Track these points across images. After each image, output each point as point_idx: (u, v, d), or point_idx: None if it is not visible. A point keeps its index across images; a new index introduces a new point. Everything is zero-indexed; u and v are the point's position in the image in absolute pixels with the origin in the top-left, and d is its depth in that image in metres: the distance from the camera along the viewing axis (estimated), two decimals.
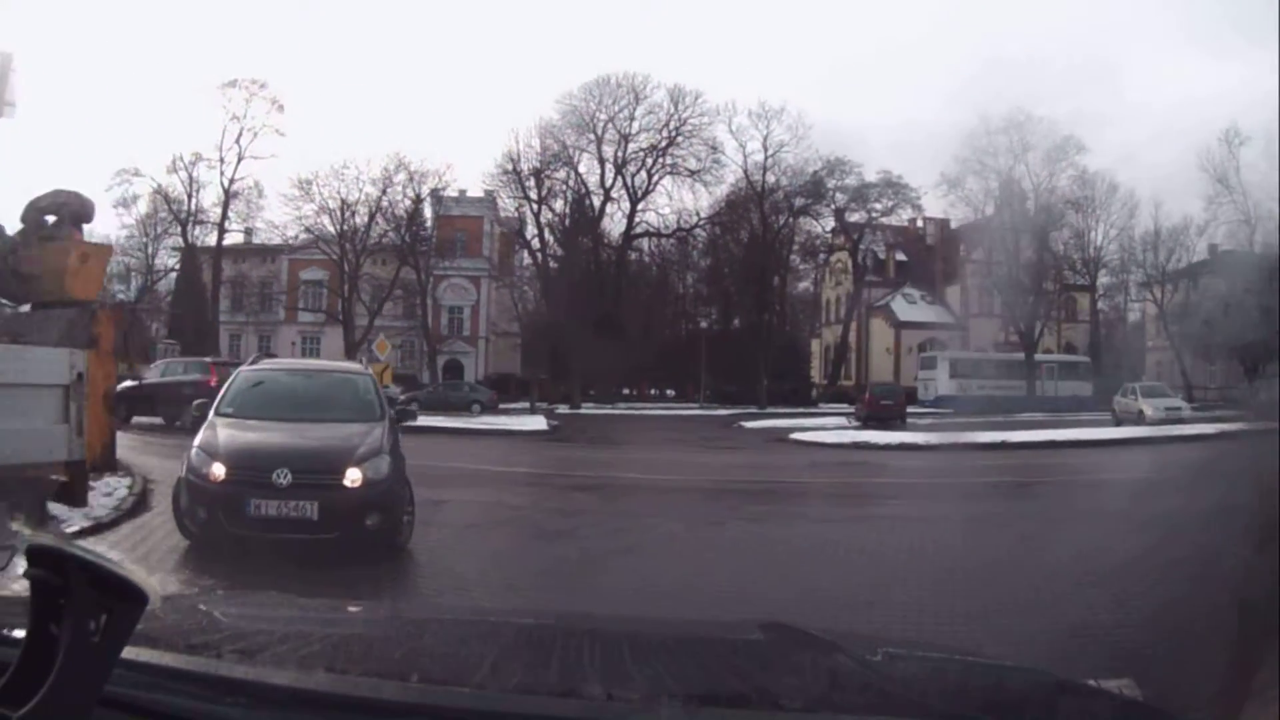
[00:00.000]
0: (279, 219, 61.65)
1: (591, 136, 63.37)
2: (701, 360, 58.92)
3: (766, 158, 63.40)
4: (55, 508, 11.17)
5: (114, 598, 1.38)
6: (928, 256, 70.66)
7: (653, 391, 65.05)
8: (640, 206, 64.96)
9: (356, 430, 10.36)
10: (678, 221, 65.82)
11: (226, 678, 1.78)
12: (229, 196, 61.56)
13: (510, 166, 61.29)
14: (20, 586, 1.49)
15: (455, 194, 63.11)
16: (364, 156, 74.22)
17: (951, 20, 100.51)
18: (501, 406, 48.46)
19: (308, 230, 59.44)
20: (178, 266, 64.84)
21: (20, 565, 1.51)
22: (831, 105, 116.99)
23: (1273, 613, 3.08)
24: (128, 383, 28.45)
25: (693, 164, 63.97)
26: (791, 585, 9.26)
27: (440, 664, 2.28)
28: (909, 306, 69.80)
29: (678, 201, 75.33)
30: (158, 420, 28.17)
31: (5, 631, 1.72)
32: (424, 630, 2.71)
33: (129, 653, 1.49)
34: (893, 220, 67.44)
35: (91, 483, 13.20)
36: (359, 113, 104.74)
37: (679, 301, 71.16)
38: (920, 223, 69.55)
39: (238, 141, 60.55)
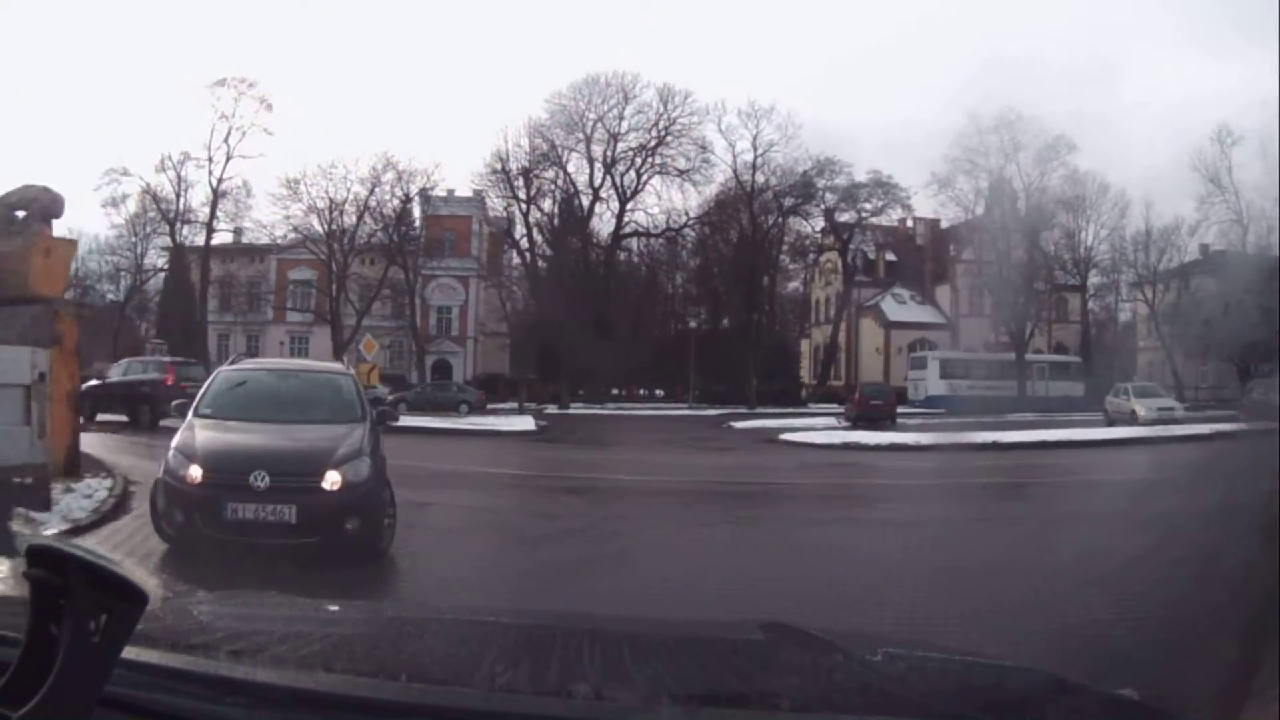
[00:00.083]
0: (267, 219, 61.73)
1: (580, 136, 63.21)
2: (690, 360, 58.78)
3: (756, 157, 63.46)
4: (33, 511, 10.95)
5: (114, 598, 1.38)
6: (917, 256, 70.81)
7: (642, 392, 64.99)
8: (629, 206, 64.89)
9: (336, 432, 10.15)
10: (667, 221, 65.86)
11: (226, 678, 1.78)
12: (217, 196, 61.34)
13: (499, 166, 61.32)
14: (20, 586, 1.50)
15: (444, 193, 62.94)
16: (352, 156, 73.69)
17: (945, 20, 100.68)
18: (490, 407, 48.37)
19: (296, 230, 59.38)
20: (166, 266, 64.80)
21: (20, 565, 1.52)
22: (821, 105, 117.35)
23: (1273, 613, 3.13)
24: (93, 381, 29.34)
25: (682, 163, 63.91)
26: (786, 588, 9.07)
27: (440, 664, 2.29)
28: (899, 306, 69.77)
29: (667, 201, 75.83)
30: (123, 418, 28.30)
31: (5, 631, 1.66)
32: (424, 630, 2.70)
33: (129, 653, 1.49)
34: (882, 220, 67.76)
35: (72, 484, 13.09)
36: (347, 112, 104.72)
37: (668, 301, 71.13)
38: (910, 223, 69.78)
39: (226, 141, 60.34)
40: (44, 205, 14.90)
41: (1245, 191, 53.35)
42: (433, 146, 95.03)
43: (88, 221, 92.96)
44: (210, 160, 60.43)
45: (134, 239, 64.37)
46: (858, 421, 39.43)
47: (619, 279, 66.52)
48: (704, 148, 63.66)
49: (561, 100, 62.68)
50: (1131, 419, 35.79)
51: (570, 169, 63.78)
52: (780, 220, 65.34)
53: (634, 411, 54.10)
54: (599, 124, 63.09)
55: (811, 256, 69.82)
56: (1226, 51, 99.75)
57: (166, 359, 32.77)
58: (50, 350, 12.49)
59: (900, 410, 44.05)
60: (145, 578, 8.57)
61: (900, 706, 1.99)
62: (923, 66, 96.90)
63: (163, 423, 24.71)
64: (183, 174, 61.31)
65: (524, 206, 62.53)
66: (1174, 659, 5.75)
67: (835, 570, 10.07)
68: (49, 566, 1.39)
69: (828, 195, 64.56)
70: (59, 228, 15.40)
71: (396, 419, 13.14)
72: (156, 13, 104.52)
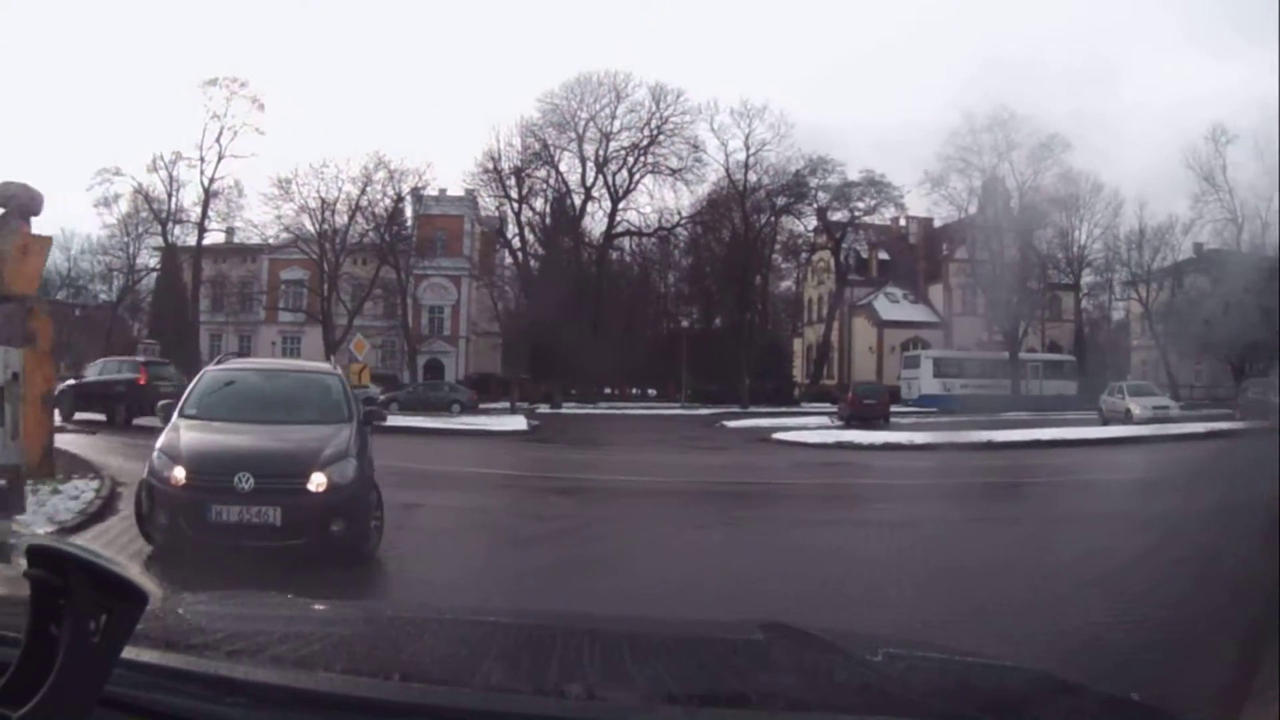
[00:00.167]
0: (259, 218, 61.45)
1: (572, 135, 63.26)
2: (683, 360, 58.65)
3: (748, 156, 63.54)
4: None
5: (114, 598, 1.38)
6: (910, 255, 70.74)
7: (634, 391, 65.00)
8: (621, 205, 64.87)
9: (323, 433, 10.02)
10: (659, 220, 65.80)
11: (226, 678, 1.77)
12: (209, 196, 61.32)
13: (491, 165, 61.35)
14: (20, 586, 1.47)
15: (435, 193, 62.96)
16: (344, 155, 73.73)
17: (942, 20, 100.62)
18: (482, 406, 48.17)
19: (288, 230, 59.26)
20: (158, 266, 64.81)
21: (20, 565, 1.50)
22: (815, 104, 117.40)
23: (1273, 613, 3.18)
24: (70, 381, 30.62)
25: (674, 162, 63.86)
26: (784, 588, 9.03)
27: (440, 664, 2.28)
28: (892, 305, 69.76)
29: (659, 200, 75.64)
30: (101, 417, 28.42)
31: (5, 631, 1.64)
32: (424, 630, 2.69)
33: (129, 653, 1.49)
34: (875, 219, 67.57)
35: (59, 485, 12.93)
36: (339, 111, 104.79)
37: (660, 301, 71.06)
38: (903, 221, 69.66)
39: (218, 140, 60.31)
40: (22, 202, 14.66)
41: (1240, 190, 53.49)
42: (424, 146, 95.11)
43: (80, 221, 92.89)
44: (202, 160, 60.50)
45: (126, 239, 64.49)
46: (851, 421, 39.54)
47: (611, 278, 66.52)
48: (696, 147, 63.80)
49: (553, 99, 62.77)
50: (1126, 418, 35.69)
51: (562, 168, 63.95)
52: (773, 219, 65.50)
53: (626, 411, 54.07)
54: (591, 123, 63.18)
55: (804, 255, 69.65)
56: (1226, 51, 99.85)
57: (140, 359, 32.98)
58: (23, 350, 12.27)
59: (894, 409, 43.96)
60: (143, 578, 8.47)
61: (900, 706, 1.98)
62: (920, 67, 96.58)
63: (136, 421, 25.93)
64: (175, 174, 61.34)
65: (516, 206, 62.74)
66: (1174, 659, 5.75)
67: (833, 571, 9.96)
68: (49, 566, 1.39)
69: (820, 194, 64.70)
70: (41, 225, 15.16)
71: (384, 419, 13.01)
72: (148, 12, 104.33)
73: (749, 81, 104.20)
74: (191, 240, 63.15)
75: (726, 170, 64.40)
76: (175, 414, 10.39)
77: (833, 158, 62.53)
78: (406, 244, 61.36)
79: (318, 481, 9.15)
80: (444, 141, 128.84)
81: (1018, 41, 77.75)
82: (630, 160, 63.99)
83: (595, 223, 65.78)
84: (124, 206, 62.22)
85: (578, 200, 64.42)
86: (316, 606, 3.11)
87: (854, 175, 63.11)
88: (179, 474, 9.10)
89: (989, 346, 57.09)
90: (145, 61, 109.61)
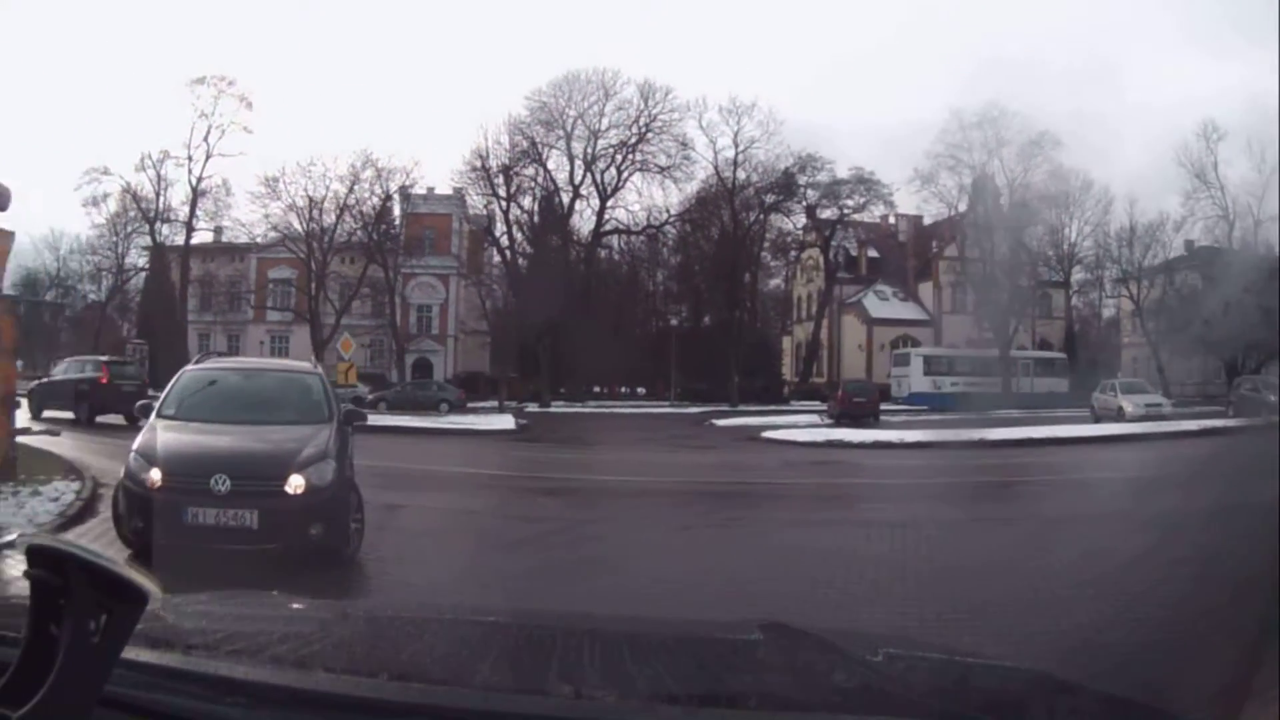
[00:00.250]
0: (247, 217, 61.50)
1: (561, 133, 62.88)
2: (672, 358, 58.64)
3: (737, 154, 63.38)
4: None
5: (114, 598, 1.38)
6: (900, 253, 70.87)
7: (623, 390, 65.00)
8: (610, 203, 64.53)
9: (302, 433, 9.86)
10: (648, 218, 65.41)
11: (226, 678, 1.78)
12: (197, 195, 61.51)
13: (479, 163, 60.93)
14: (20, 586, 1.47)
15: (423, 191, 62.75)
16: (331, 153, 73.84)
17: (940, 20, 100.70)
18: (470, 405, 48.08)
19: (275, 229, 59.18)
20: (147, 266, 64.80)
21: (20, 565, 1.49)
22: (803, 102, 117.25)
23: (1273, 613, 3.26)
24: (40, 380, 32.83)
25: (663, 160, 63.47)
26: (781, 589, 8.96)
27: (440, 664, 2.30)
28: (881, 303, 69.66)
29: (647, 198, 75.38)
30: (70, 414, 28.58)
31: (5, 631, 1.66)
32: (424, 630, 2.72)
33: (129, 653, 1.49)
34: (865, 217, 67.59)
35: (39, 487, 12.75)
36: (326, 109, 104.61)
37: (649, 299, 70.96)
38: (892, 219, 69.87)
39: (206, 139, 60.43)
40: None
41: (1231, 187, 53.57)
42: (412, 144, 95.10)
43: (68, 221, 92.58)
44: (190, 159, 60.71)
45: (115, 238, 64.77)
46: (840, 419, 39.51)
47: (600, 277, 66.33)
48: (685, 144, 63.38)
49: (541, 97, 62.43)
50: (1119, 415, 35.58)
51: (550, 166, 63.56)
52: (762, 217, 65.48)
53: (615, 409, 53.84)
54: (579, 121, 62.84)
55: (793, 253, 69.79)
56: (1226, 51, 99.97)
57: (103, 358, 33.44)
58: None
59: (883, 407, 43.95)
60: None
61: (900, 706, 1.98)
62: (912, 66, 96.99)
63: (99, 419, 27.28)
64: (163, 173, 61.51)
65: (504, 204, 62.28)
66: (1174, 659, 5.77)
67: (829, 571, 9.82)
68: (49, 566, 1.39)
69: (809, 192, 64.63)
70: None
71: (365, 419, 12.81)
72: (135, 11, 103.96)
73: (738, 79, 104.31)
74: (180, 240, 63.39)
75: (715, 168, 64.29)
76: (153, 414, 10.23)
77: (822, 155, 62.55)
78: (394, 242, 61.20)
79: (295, 484, 9.00)
80: (432, 140, 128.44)
81: (1011, 41, 78.74)
82: (619, 158, 63.74)
83: (584, 221, 65.65)
84: (112, 206, 62.61)
85: (566, 198, 64.25)
86: (316, 606, 3.12)
87: (843, 173, 63.17)
88: (154, 476, 8.98)
89: (979, 344, 57.16)
90: (133, 60, 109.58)
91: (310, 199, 57.88)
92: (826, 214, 65.83)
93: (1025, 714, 2.06)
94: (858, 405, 40.97)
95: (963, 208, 58.29)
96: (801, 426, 35.60)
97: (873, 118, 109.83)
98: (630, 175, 64.23)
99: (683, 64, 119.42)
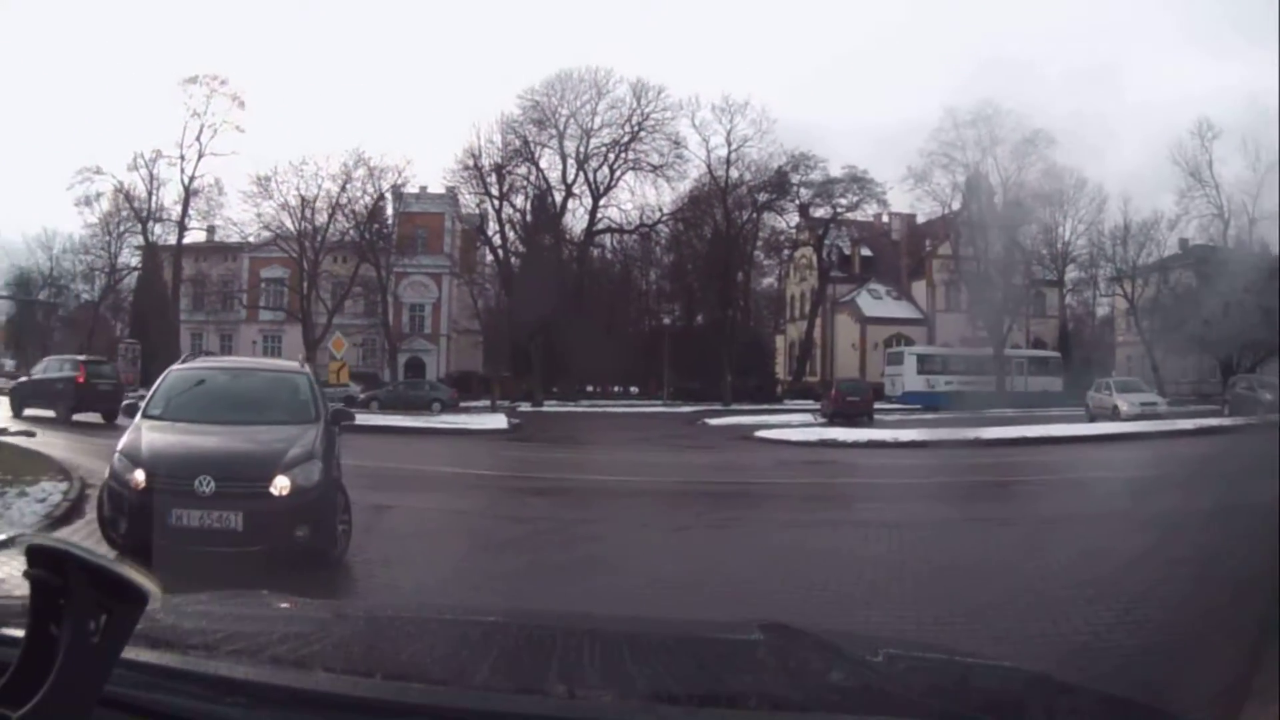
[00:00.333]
0: (239, 217, 61.29)
1: (553, 132, 62.82)
2: (665, 357, 58.63)
3: (730, 153, 63.26)
4: None
5: (114, 598, 1.38)
6: (893, 252, 70.69)
7: (616, 389, 65.04)
8: (602, 202, 64.47)
9: (288, 433, 9.72)
10: (640, 217, 65.43)
11: (226, 678, 1.78)
12: (189, 194, 61.40)
13: (471, 162, 61.09)
14: (21, 586, 1.46)
15: (416, 190, 62.71)
16: (323, 152, 73.32)
17: (925, 18, 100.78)
18: (463, 405, 47.92)
19: (268, 228, 59.03)
20: (139, 265, 64.86)
21: (20, 564, 1.49)
22: (796, 100, 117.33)
23: (1273, 613, 3.23)
24: (21, 379, 34.25)
25: (655, 159, 63.45)
26: (778, 589, 8.90)
27: (440, 664, 2.29)
28: (874, 302, 69.65)
29: (640, 197, 74.78)
30: (50, 413, 28.77)
31: (5, 631, 1.69)
32: (424, 630, 2.72)
33: (129, 653, 1.49)
34: (858, 215, 67.35)
35: (26, 488, 12.73)
36: (319, 108, 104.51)
37: (642, 298, 70.83)
38: (886, 218, 69.68)
39: (198, 138, 60.39)
40: None
41: (1226, 185, 53.56)
42: (404, 143, 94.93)
43: (61, 220, 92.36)
44: (182, 158, 60.63)
45: (107, 238, 64.72)
46: (834, 418, 39.50)
47: (592, 276, 66.34)
48: (677, 143, 63.40)
49: (534, 96, 62.34)
50: (1114, 414, 35.57)
51: (543, 165, 63.58)
52: (755, 216, 65.39)
53: (608, 409, 53.83)
54: (572, 119, 62.79)
55: (786, 252, 69.82)
56: (1221, 50, 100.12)
57: (80, 358, 33.80)
58: None
59: (877, 406, 43.92)
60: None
61: (900, 706, 1.98)
62: (905, 66, 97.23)
63: (75, 417, 27.92)
64: (155, 172, 61.38)
65: (497, 203, 62.42)
66: (1174, 659, 5.83)
67: (827, 571, 9.83)
68: (49, 566, 1.39)
69: (803, 190, 64.66)
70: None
71: (353, 419, 12.69)
72: (127, 10, 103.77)
73: (731, 78, 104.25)
74: (172, 239, 63.27)
75: (708, 166, 64.21)
76: (139, 414, 10.16)
77: (815, 154, 62.55)
78: (387, 242, 61.01)
79: (281, 485, 8.86)
80: (424, 139, 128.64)
81: (1004, 40, 78.12)
82: (611, 157, 63.64)
83: (576, 220, 65.58)
84: (105, 205, 62.54)
85: (559, 197, 64.22)
86: (316, 606, 3.15)
87: (836, 171, 63.13)
88: (139, 477, 8.86)
89: (973, 343, 57.05)
90: (126, 60, 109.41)
91: (302, 198, 57.76)
92: (820, 213, 65.85)
93: (1025, 714, 2.08)
94: (851, 404, 41.00)
95: (956, 206, 58.29)
96: (795, 426, 35.61)
97: (866, 116, 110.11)
98: (623, 174, 64.29)
99: (676, 62, 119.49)
